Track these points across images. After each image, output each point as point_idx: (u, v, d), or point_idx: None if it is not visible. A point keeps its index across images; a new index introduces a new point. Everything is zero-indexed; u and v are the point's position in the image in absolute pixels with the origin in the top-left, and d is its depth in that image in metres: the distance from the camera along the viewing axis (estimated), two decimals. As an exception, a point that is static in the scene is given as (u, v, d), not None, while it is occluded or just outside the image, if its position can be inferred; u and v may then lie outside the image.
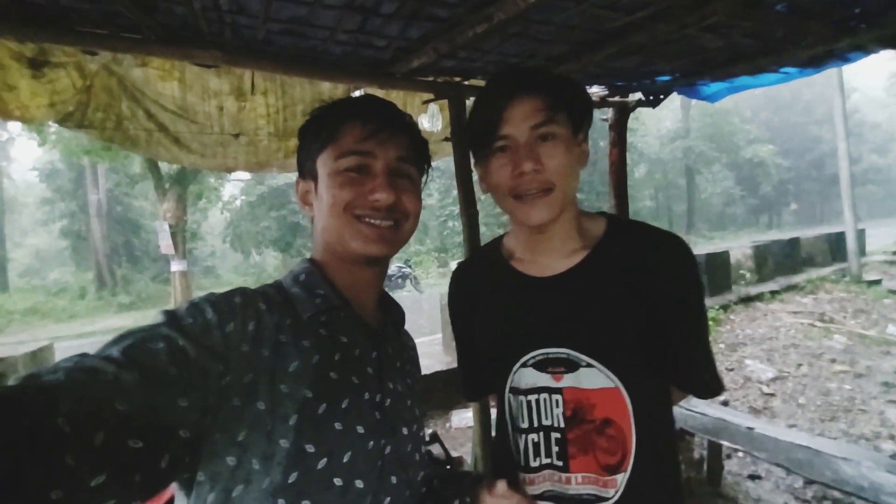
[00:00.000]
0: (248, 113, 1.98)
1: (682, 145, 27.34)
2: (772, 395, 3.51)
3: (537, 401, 0.72)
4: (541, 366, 0.72)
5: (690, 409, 2.46)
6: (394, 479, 0.57)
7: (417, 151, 0.65)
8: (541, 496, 0.71)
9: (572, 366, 0.70)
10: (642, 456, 0.68)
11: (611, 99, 2.47)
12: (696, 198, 29.22)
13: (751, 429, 2.17)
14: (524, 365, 0.73)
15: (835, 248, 8.55)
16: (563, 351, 0.70)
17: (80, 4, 1.22)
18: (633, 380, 0.69)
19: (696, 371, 0.74)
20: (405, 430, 0.61)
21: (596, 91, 2.41)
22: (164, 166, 11.72)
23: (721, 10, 1.16)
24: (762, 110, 35.52)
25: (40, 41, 1.47)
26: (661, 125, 30.04)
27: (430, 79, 1.90)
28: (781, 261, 7.49)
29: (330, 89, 2.04)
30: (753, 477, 2.46)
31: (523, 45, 1.58)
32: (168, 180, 11.61)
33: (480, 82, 2.00)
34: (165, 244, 11.54)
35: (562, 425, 0.70)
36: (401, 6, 1.19)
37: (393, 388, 0.61)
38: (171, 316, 0.48)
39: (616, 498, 0.68)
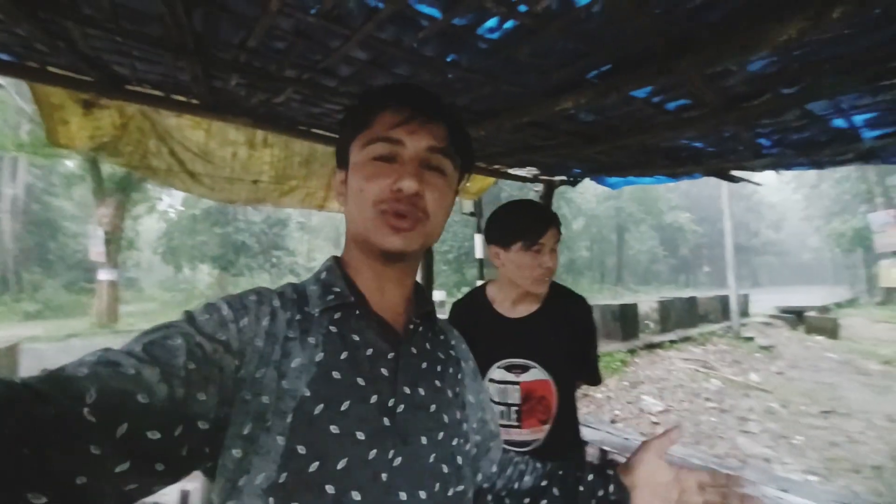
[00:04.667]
0: (256, 160, 2.44)
1: (614, 205, 30.18)
2: (657, 423, 4.28)
3: (504, 389, 1.28)
4: (508, 368, 1.29)
5: (589, 426, 3.09)
6: (403, 496, 0.51)
7: (456, 144, 0.60)
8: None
9: (525, 368, 1.28)
10: (559, 416, 1.27)
11: (541, 178, 3.21)
12: (625, 253, 31.99)
13: (627, 439, 2.83)
14: (498, 367, 1.29)
15: (725, 308, 10.09)
16: (521, 360, 1.29)
17: (157, 78, 1.68)
18: (558, 375, 1.28)
19: (592, 372, 1.39)
20: (424, 440, 0.55)
21: (530, 170, 3.14)
22: (107, 169, 11.25)
23: (607, 151, 1.87)
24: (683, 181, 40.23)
25: (111, 98, 1.88)
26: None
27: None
28: (681, 315, 8.80)
29: (323, 147, 2.56)
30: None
31: (478, 145, 2.23)
32: (110, 185, 11.13)
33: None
34: (97, 251, 10.94)
35: (519, 402, 1.28)
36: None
37: (411, 393, 0.56)
38: (188, 315, 0.50)
39: (543, 437, 1.26)
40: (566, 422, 1.31)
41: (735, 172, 2.39)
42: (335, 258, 0.63)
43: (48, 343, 8.56)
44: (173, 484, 0.43)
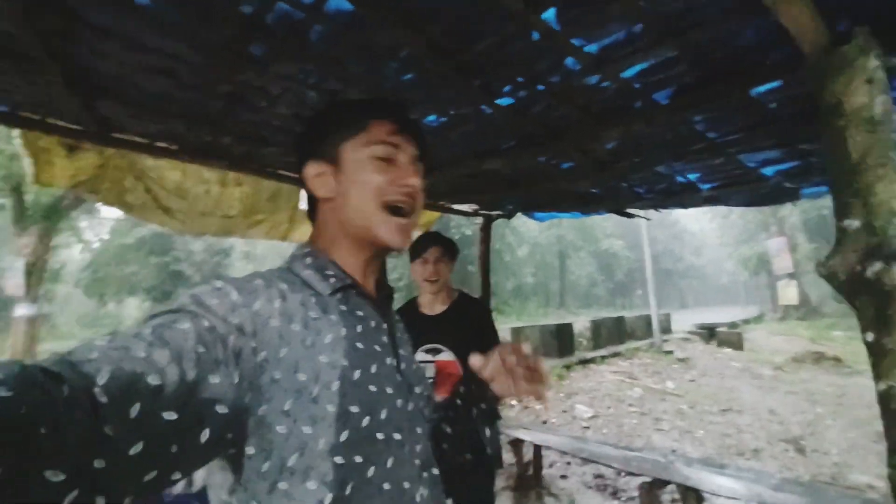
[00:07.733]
0: (227, 196, 2.73)
1: (556, 233, 32.04)
2: (587, 427, 4.80)
3: (424, 367, 1.65)
4: (426, 351, 1.70)
5: (524, 428, 3.52)
6: (419, 430, 0.64)
7: (424, 155, 0.71)
8: None
9: (438, 351, 1.70)
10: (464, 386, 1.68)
11: (480, 212, 3.72)
12: (566, 278, 33.84)
13: (555, 436, 3.28)
14: (420, 350, 1.70)
15: (650, 326, 11.19)
16: (435, 345, 1.70)
17: (145, 129, 1.98)
18: (463, 357, 1.67)
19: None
20: (418, 389, 0.69)
21: (471, 206, 3.64)
22: (29, 197, 10.51)
23: (526, 194, 2.39)
24: (616, 211, 43.53)
25: (100, 144, 2.13)
26: (540, 214, 34.86)
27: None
28: (611, 333, 9.71)
29: (288, 185, 2.90)
30: (563, 476, 3.55)
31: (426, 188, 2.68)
32: (34, 213, 10.38)
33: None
34: (14, 283, 10.03)
35: (433, 376, 1.67)
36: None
37: (404, 354, 0.69)
38: (195, 298, 0.50)
39: None
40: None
41: (631, 210, 3.03)
42: (311, 245, 0.68)
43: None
44: (190, 473, 0.43)
